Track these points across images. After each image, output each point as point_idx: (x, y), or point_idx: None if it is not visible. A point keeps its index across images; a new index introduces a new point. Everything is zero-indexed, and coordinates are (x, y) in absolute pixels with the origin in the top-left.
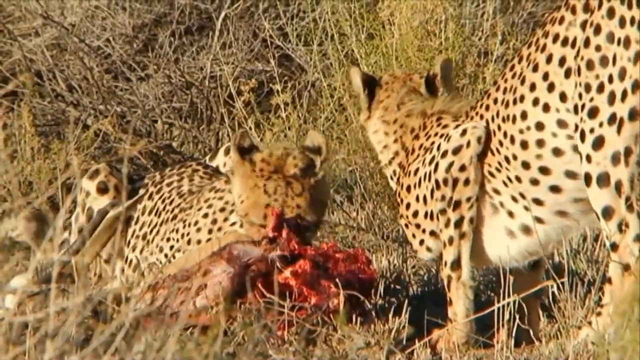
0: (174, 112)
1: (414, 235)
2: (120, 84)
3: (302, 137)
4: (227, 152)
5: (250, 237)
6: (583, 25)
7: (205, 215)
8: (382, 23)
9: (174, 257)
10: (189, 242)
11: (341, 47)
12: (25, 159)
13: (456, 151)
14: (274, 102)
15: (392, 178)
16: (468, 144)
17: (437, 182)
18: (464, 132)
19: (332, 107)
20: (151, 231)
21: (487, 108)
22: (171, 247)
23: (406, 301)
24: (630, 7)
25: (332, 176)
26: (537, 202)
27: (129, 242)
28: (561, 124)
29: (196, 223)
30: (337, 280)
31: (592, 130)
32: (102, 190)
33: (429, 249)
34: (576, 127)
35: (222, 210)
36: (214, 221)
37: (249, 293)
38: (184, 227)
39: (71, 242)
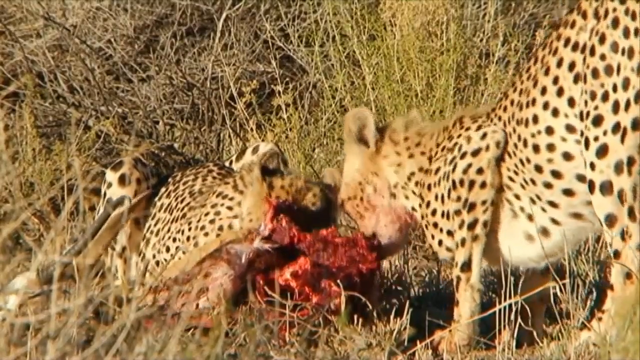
0: (175, 114)
1: (432, 237)
2: (122, 85)
3: (304, 138)
4: (254, 151)
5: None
6: (591, 32)
7: (212, 222)
8: (384, 24)
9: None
10: (195, 245)
11: (342, 48)
12: (26, 160)
13: (475, 153)
14: (276, 104)
15: (407, 198)
16: (487, 147)
17: (454, 182)
18: (484, 136)
19: (333, 108)
20: (162, 228)
21: (505, 109)
22: (177, 248)
23: (407, 302)
24: (634, 18)
25: None
26: (552, 204)
27: (145, 236)
28: (570, 128)
29: (203, 227)
30: (338, 281)
31: (596, 139)
32: (124, 182)
33: (448, 249)
34: (581, 133)
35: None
36: (220, 228)
37: (250, 294)
38: (189, 229)
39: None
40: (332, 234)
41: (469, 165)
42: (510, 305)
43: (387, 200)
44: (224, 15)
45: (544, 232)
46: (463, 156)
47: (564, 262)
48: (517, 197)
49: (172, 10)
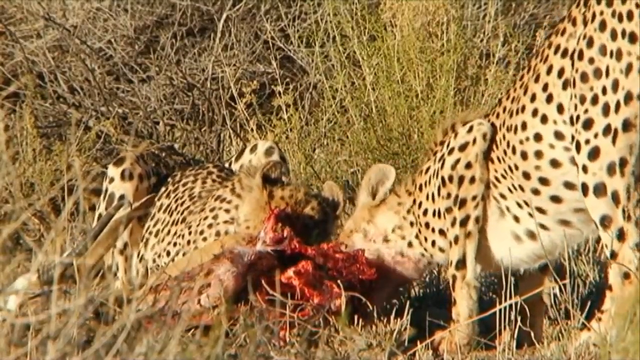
0: (175, 114)
1: (425, 239)
2: (122, 86)
3: (304, 138)
4: (252, 150)
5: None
6: (580, 37)
7: (210, 226)
8: (384, 25)
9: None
10: (195, 249)
11: (343, 48)
12: (27, 160)
13: (462, 148)
14: (276, 104)
15: (404, 238)
16: (474, 140)
17: (443, 179)
18: (470, 129)
19: (333, 109)
20: (162, 229)
21: (497, 116)
22: (177, 253)
23: (408, 303)
24: (620, 20)
25: (334, 178)
26: (540, 210)
27: (143, 237)
28: (558, 135)
29: (202, 232)
30: (339, 281)
31: (587, 142)
32: (127, 177)
33: (441, 250)
34: (572, 138)
35: (227, 222)
36: (218, 233)
37: (250, 293)
38: (190, 233)
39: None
40: (334, 249)
41: (457, 161)
42: (510, 305)
43: (377, 246)
44: (224, 16)
45: (531, 235)
46: (451, 152)
47: (564, 263)
48: (503, 196)
49: (173, 11)
